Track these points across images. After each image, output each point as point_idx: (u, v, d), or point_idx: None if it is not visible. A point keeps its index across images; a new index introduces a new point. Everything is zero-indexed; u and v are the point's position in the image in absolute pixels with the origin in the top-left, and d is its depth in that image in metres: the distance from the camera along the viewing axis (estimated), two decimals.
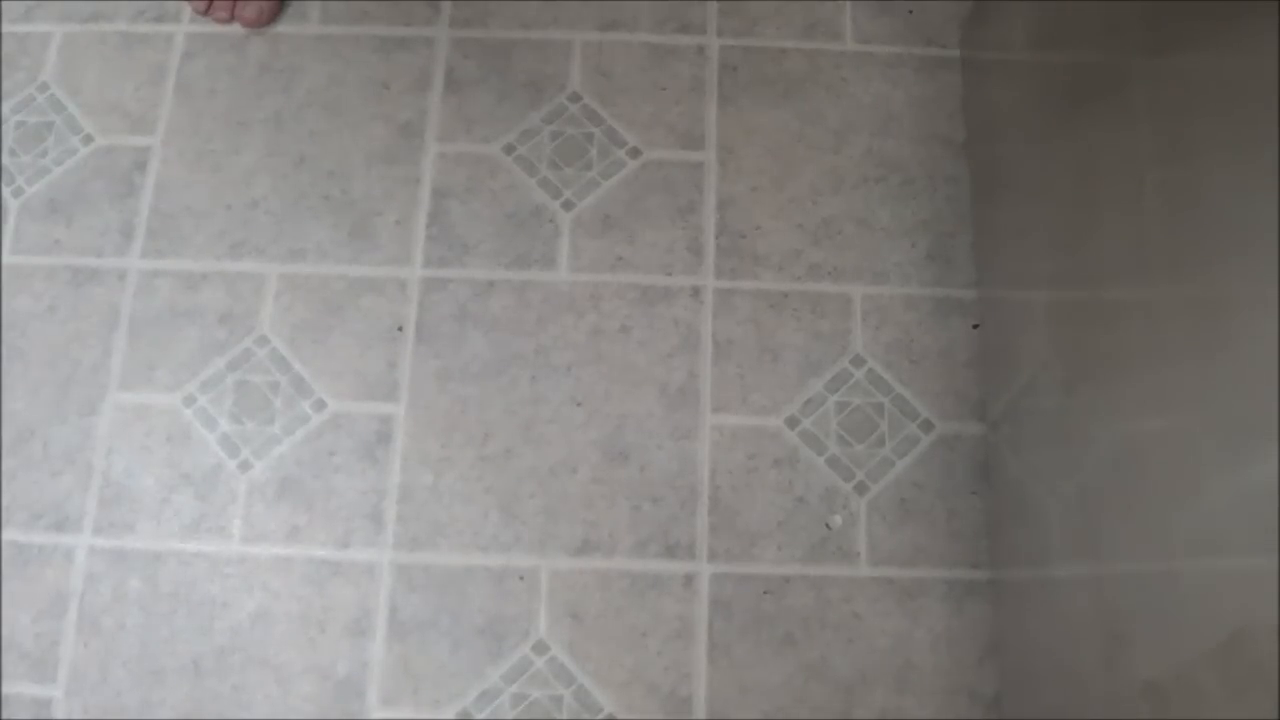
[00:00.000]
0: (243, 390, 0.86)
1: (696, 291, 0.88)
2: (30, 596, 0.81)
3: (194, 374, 0.86)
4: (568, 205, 0.90)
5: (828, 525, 0.82)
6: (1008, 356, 0.78)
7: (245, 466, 0.84)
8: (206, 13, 0.96)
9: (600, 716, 0.78)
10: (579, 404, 0.85)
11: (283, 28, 0.97)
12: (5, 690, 0.79)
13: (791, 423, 0.84)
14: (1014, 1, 0.79)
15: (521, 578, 0.81)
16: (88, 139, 0.93)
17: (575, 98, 0.94)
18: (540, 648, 0.80)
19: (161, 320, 0.88)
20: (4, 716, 0.79)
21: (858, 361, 0.86)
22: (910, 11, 0.97)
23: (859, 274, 0.88)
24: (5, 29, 0.97)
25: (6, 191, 0.92)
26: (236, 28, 0.96)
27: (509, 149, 0.92)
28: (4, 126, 0.94)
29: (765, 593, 0.80)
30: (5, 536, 0.83)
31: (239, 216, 0.90)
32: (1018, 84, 0.78)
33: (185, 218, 0.91)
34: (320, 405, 0.85)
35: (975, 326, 0.87)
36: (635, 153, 0.92)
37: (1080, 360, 0.64)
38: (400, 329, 0.87)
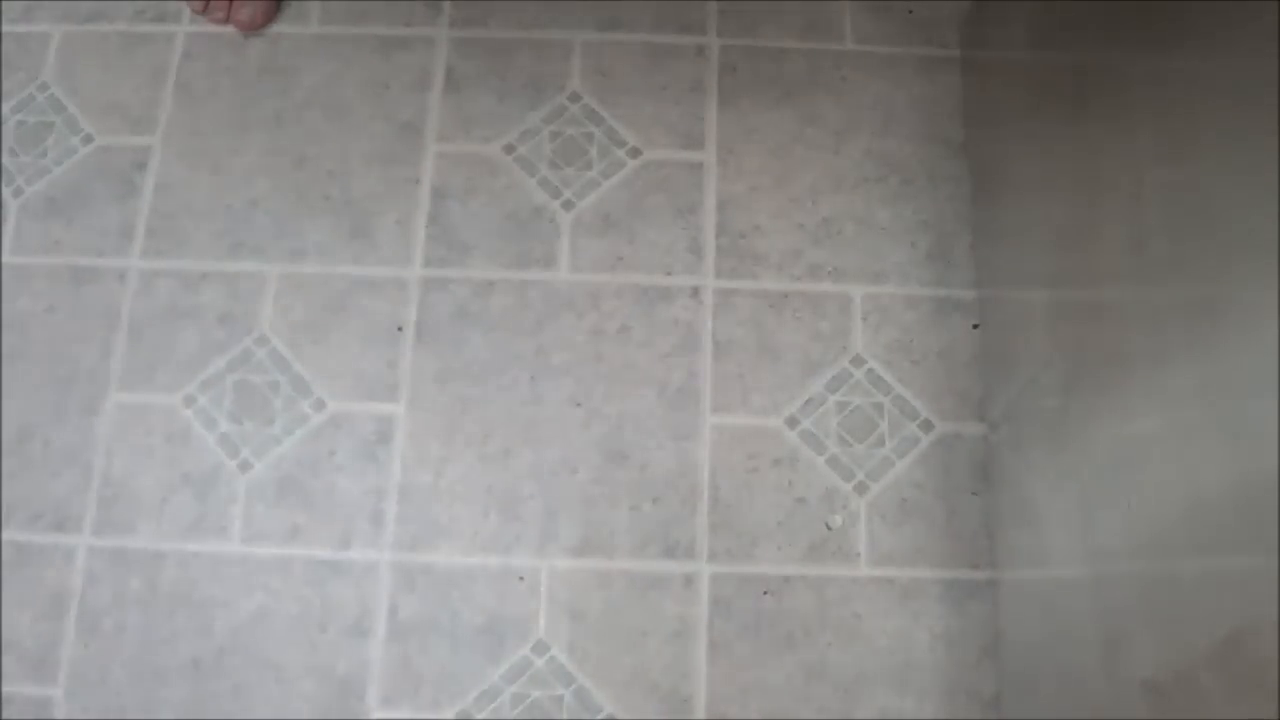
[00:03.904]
0: (242, 390, 0.86)
1: (696, 291, 0.88)
2: (30, 596, 0.81)
3: (194, 374, 0.86)
4: (568, 205, 0.90)
5: (828, 525, 0.82)
6: (1008, 356, 0.79)
7: (245, 466, 0.84)
8: (203, 12, 0.96)
9: (600, 716, 0.78)
10: (579, 404, 0.85)
11: (282, 28, 0.97)
12: (5, 690, 0.79)
13: (791, 423, 0.84)
14: (1014, 1, 0.79)
15: (521, 578, 0.81)
16: (88, 139, 0.93)
17: (575, 98, 0.94)
18: (540, 648, 0.80)
19: (161, 320, 0.88)
20: (4, 716, 0.79)
21: (858, 361, 0.86)
22: (910, 11, 0.97)
23: (859, 274, 0.88)
24: (5, 29, 0.97)
25: (6, 191, 0.92)
26: None
27: (509, 149, 0.92)
28: (4, 126, 0.94)
29: (765, 593, 0.80)
30: (5, 536, 0.83)
31: (239, 216, 0.90)
32: (1018, 84, 0.78)
33: (185, 218, 0.91)
34: (320, 405, 0.85)
35: (975, 326, 0.87)
36: (635, 153, 0.92)
37: (1080, 360, 0.64)
38: (400, 329, 0.87)
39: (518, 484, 0.83)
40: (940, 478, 0.83)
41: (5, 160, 0.93)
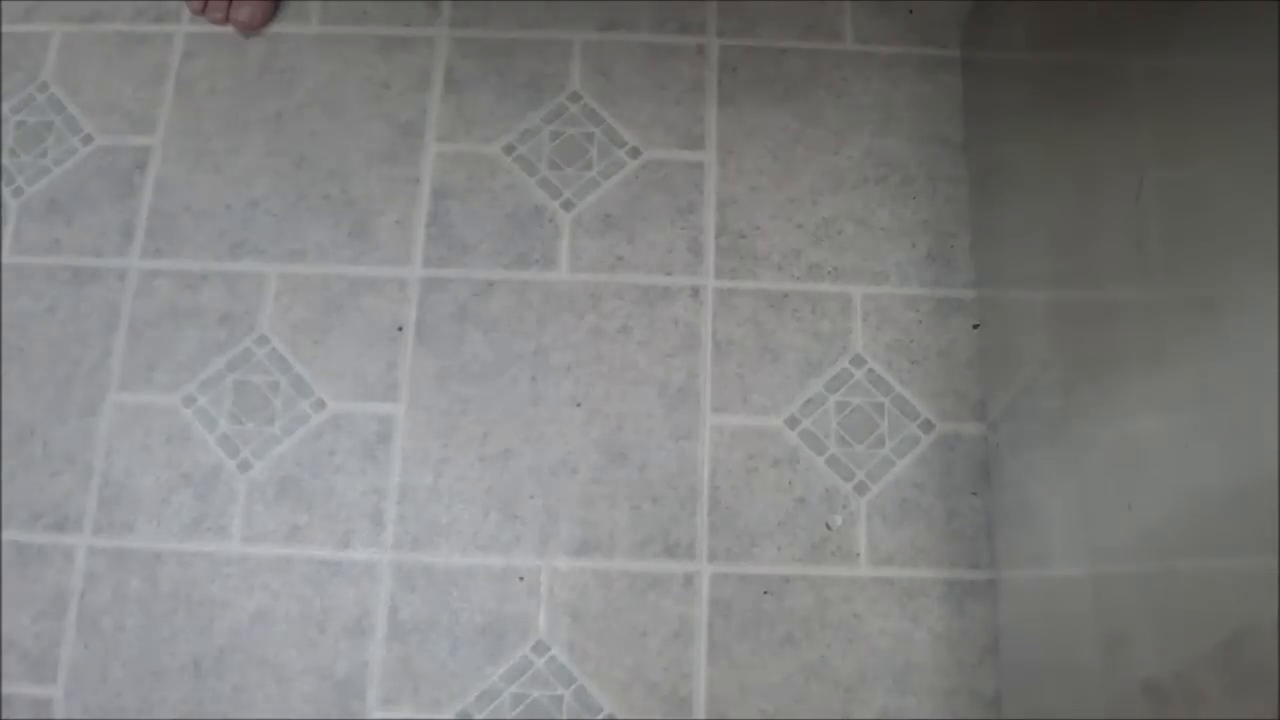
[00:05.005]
0: (242, 390, 0.86)
1: (696, 291, 0.88)
2: (30, 596, 0.81)
3: (194, 374, 0.86)
4: (568, 205, 0.90)
5: (828, 525, 0.82)
6: (1008, 356, 0.78)
7: (245, 466, 0.84)
8: (202, 12, 0.96)
9: (600, 716, 0.78)
10: (579, 404, 0.85)
11: (282, 28, 0.97)
12: (5, 690, 0.79)
13: (791, 423, 0.84)
14: (1014, 1, 0.79)
15: (521, 578, 0.81)
16: (88, 139, 0.93)
17: (575, 98, 0.94)
18: (540, 648, 0.80)
19: (161, 320, 0.88)
20: (4, 716, 0.79)
21: (858, 361, 0.86)
22: (910, 11, 0.97)
23: (859, 274, 0.88)
24: (5, 29, 0.97)
25: (6, 191, 0.92)
26: None
27: (509, 149, 0.92)
28: (4, 126, 0.94)
29: (765, 593, 0.80)
30: (5, 536, 0.83)
31: (239, 216, 0.90)
32: (1018, 84, 0.78)
33: (185, 218, 0.91)
34: (320, 405, 0.85)
35: (975, 326, 0.87)
36: (635, 153, 0.92)
37: (1080, 360, 0.64)
38: (400, 329, 0.87)
39: (518, 484, 0.83)
40: (940, 478, 0.83)
41: (5, 160, 0.93)
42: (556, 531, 0.82)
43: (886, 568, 0.81)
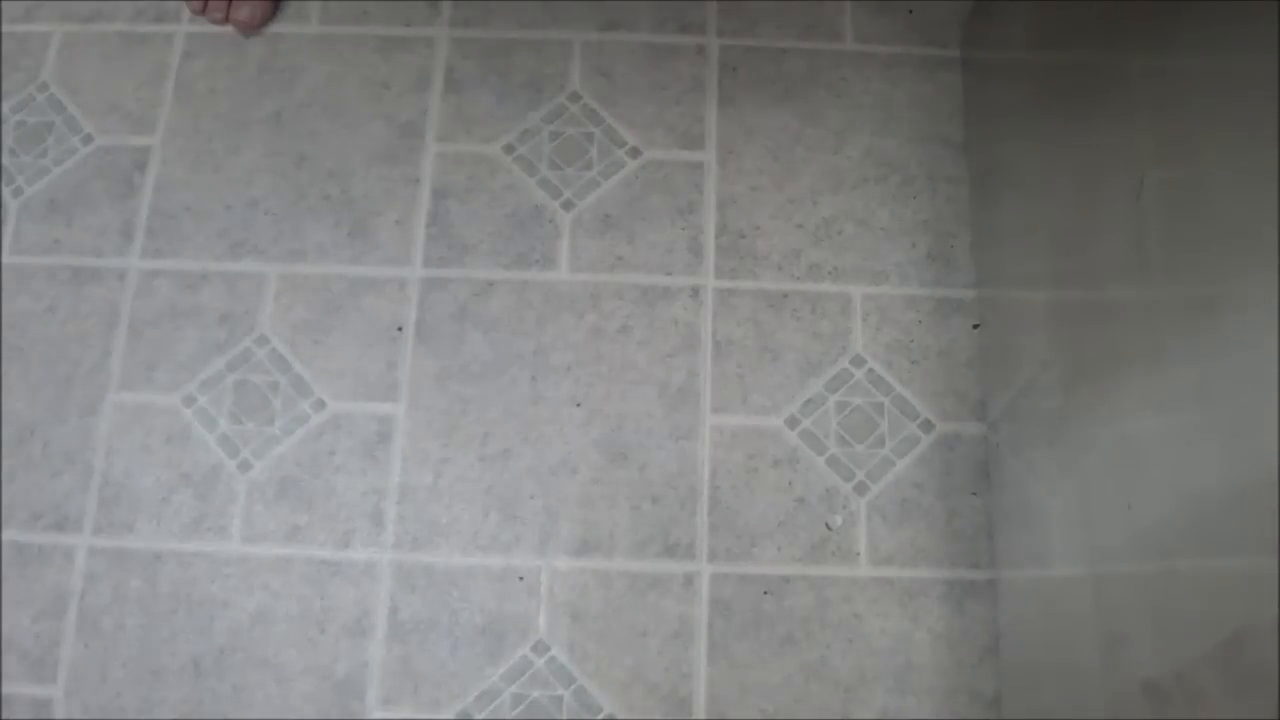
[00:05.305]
0: (242, 390, 0.86)
1: (696, 291, 0.88)
2: (30, 596, 0.81)
3: (194, 374, 0.86)
4: (568, 205, 0.90)
5: (828, 525, 0.82)
6: (1008, 356, 0.79)
7: (245, 466, 0.84)
8: (202, 12, 0.96)
9: (600, 716, 0.78)
10: (579, 404, 0.85)
11: (282, 28, 0.97)
12: (5, 690, 0.79)
13: (791, 423, 0.84)
14: (1014, 1, 0.79)
15: (521, 578, 0.81)
16: (88, 139, 0.93)
17: (575, 98, 0.94)
18: (540, 648, 0.80)
19: (161, 320, 0.88)
20: (4, 716, 0.79)
21: (858, 361, 0.86)
22: (910, 11, 0.97)
23: (859, 274, 0.88)
24: (5, 29, 0.97)
25: (6, 191, 0.92)
26: None
27: (509, 149, 0.92)
28: (4, 126, 0.94)
29: (765, 593, 0.80)
30: (5, 536, 0.83)
31: (239, 216, 0.90)
32: (1018, 84, 0.78)
33: (185, 218, 0.91)
34: (320, 405, 0.85)
35: (975, 326, 0.87)
36: (635, 153, 0.92)
37: (1080, 360, 0.64)
38: (400, 329, 0.87)
39: (518, 484, 0.83)
40: (940, 478, 0.83)
41: (5, 160, 0.93)
42: (556, 531, 0.82)
43: (886, 568, 0.81)
